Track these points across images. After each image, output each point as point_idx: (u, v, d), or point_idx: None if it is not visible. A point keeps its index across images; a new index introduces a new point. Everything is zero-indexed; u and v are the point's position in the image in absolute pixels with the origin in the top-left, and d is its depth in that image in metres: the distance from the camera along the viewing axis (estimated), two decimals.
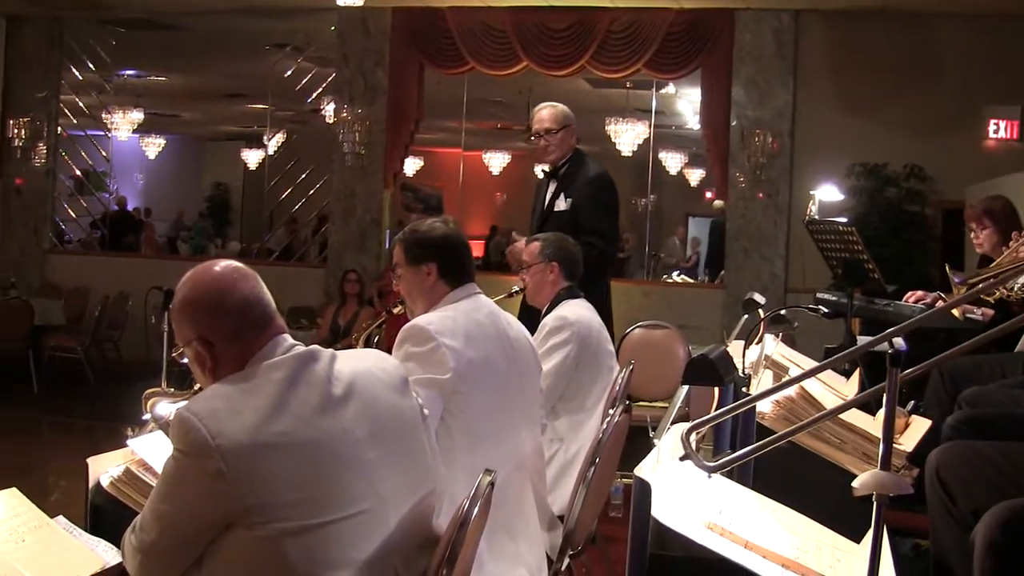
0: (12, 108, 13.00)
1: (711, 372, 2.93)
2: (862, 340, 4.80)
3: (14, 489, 2.83)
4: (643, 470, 2.20)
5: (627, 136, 14.47)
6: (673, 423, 2.86)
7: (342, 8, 10.68)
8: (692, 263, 17.69)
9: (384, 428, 2.33)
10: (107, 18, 12.83)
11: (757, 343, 4.16)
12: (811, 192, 10.41)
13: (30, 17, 12.86)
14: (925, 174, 10.26)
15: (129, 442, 3.07)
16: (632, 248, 16.51)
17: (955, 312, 4.92)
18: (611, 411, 3.47)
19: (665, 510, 2.10)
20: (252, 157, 18.51)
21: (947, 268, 4.59)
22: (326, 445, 2.21)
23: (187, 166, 22.05)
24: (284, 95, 13.56)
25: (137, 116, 14.77)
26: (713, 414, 2.49)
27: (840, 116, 10.66)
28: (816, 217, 9.70)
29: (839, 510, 2.41)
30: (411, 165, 17.21)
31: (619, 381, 4.42)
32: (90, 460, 3.02)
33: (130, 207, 19.00)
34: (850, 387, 4.09)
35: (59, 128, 13.35)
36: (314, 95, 13.09)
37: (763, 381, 3.62)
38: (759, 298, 4.61)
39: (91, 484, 2.99)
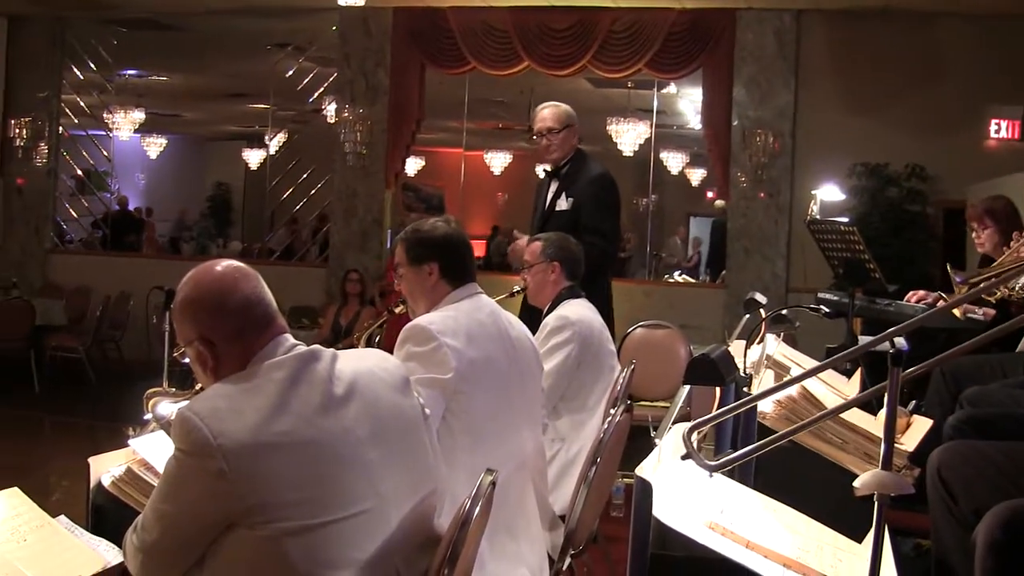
0: (14, 108, 13.01)
1: (712, 372, 2.93)
2: (863, 340, 4.80)
3: (16, 489, 2.83)
4: (644, 470, 2.20)
5: (628, 136, 14.47)
6: (674, 423, 2.86)
7: (343, 8, 10.68)
8: (694, 263, 17.70)
9: (386, 428, 2.34)
10: (109, 18, 12.84)
11: (758, 343, 4.16)
12: (812, 192, 10.40)
13: (32, 17, 12.87)
14: (926, 174, 10.26)
15: (130, 442, 3.07)
16: (633, 248, 16.51)
17: (956, 312, 4.91)
18: (612, 411, 3.47)
19: (666, 510, 2.10)
20: (253, 157, 18.53)
21: (948, 267, 4.59)
22: (327, 445, 2.21)
23: (188, 166, 22.05)
24: (285, 95, 13.57)
25: (139, 116, 14.79)
26: (714, 413, 2.49)
27: (841, 116, 10.65)
28: (817, 217, 9.69)
29: (840, 510, 2.41)
30: (412, 165, 17.22)
31: (620, 381, 4.42)
32: (91, 460, 3.02)
33: (131, 207, 18.99)
34: (851, 387, 4.09)
35: (61, 128, 13.36)
36: (315, 95, 13.10)
37: (764, 381, 3.62)
38: (760, 298, 4.61)
39: (92, 484, 3.00)
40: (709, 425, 2.49)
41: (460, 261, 3.49)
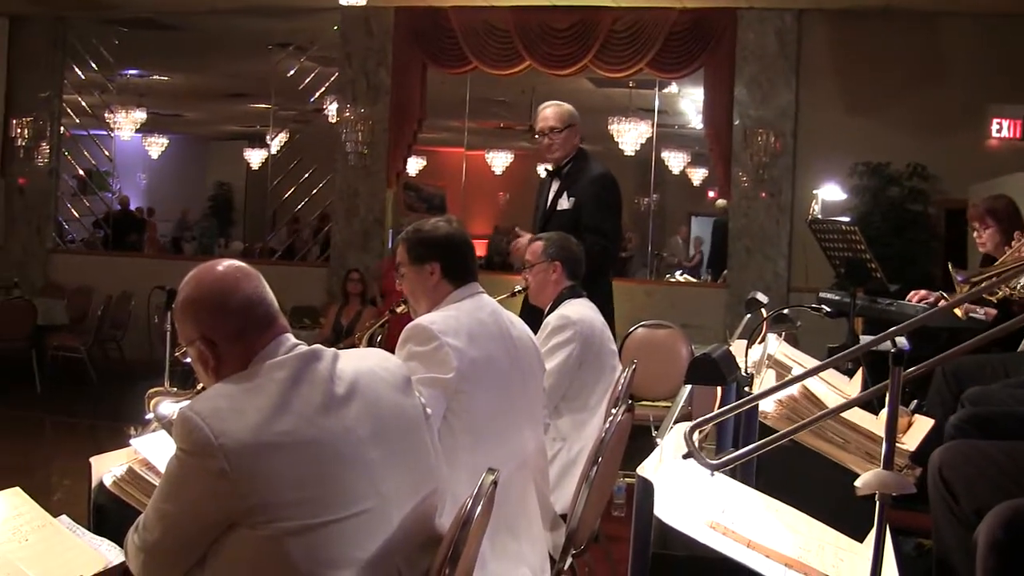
0: (15, 108, 13.02)
1: (714, 371, 2.93)
2: (865, 339, 4.80)
3: (17, 488, 2.83)
4: (646, 469, 2.20)
5: (630, 135, 14.47)
6: (676, 422, 2.86)
7: (345, 8, 10.68)
8: (695, 262, 17.69)
9: (387, 427, 2.34)
10: (110, 18, 12.85)
11: (760, 342, 4.16)
12: (814, 191, 10.39)
13: (33, 17, 12.88)
14: (928, 173, 10.25)
15: (132, 441, 3.07)
16: (635, 248, 16.51)
17: (958, 311, 4.91)
18: (614, 410, 3.47)
19: (668, 509, 2.10)
20: (255, 157, 18.53)
21: (950, 266, 4.59)
22: (329, 444, 2.21)
23: (190, 166, 22.05)
24: (287, 95, 13.57)
25: (140, 116, 14.78)
26: (716, 412, 2.49)
27: (843, 115, 10.65)
28: (819, 216, 9.68)
29: (842, 509, 2.40)
30: (414, 165, 17.21)
31: (622, 380, 4.42)
32: (93, 459, 3.02)
33: (133, 207, 19.00)
34: (853, 387, 4.09)
35: (62, 128, 13.36)
36: (317, 95, 13.11)
37: (766, 380, 3.62)
38: (762, 297, 4.61)
39: (94, 483, 3.00)
40: (710, 424, 2.49)
41: (462, 261, 3.49)
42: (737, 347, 3.81)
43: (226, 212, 21.64)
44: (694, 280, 14.39)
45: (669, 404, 5.80)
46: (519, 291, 5.15)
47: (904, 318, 4.83)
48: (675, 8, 10.81)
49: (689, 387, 3.56)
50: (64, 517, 2.85)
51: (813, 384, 3.24)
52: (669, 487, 2.17)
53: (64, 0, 12.25)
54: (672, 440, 2.52)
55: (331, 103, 12.83)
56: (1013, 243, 4.51)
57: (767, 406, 3.13)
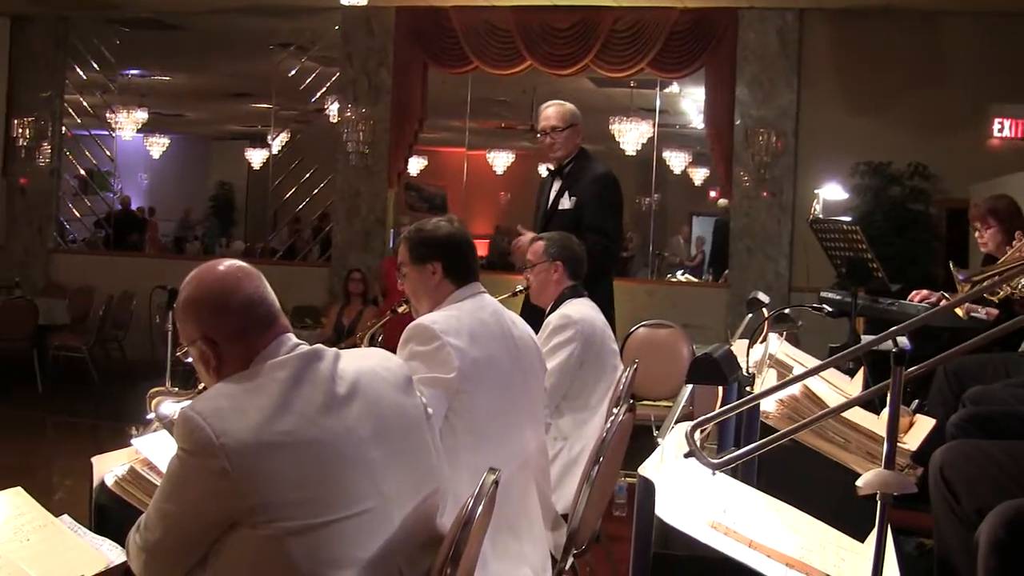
0: (17, 108, 13.02)
1: (715, 371, 2.93)
2: (866, 339, 4.80)
3: (19, 488, 2.83)
4: (647, 469, 2.20)
5: (631, 135, 14.46)
6: (677, 422, 2.87)
7: (346, 7, 10.68)
8: (697, 262, 17.69)
9: (388, 427, 2.34)
10: (112, 18, 12.85)
11: (761, 342, 4.15)
12: (815, 191, 10.37)
13: (35, 17, 12.88)
14: (929, 173, 10.25)
15: (133, 441, 3.07)
16: (636, 247, 16.51)
17: (959, 311, 4.91)
18: (615, 410, 3.47)
19: (669, 509, 2.10)
20: (256, 156, 18.53)
21: (951, 265, 4.59)
22: (330, 444, 2.21)
23: (191, 165, 22.06)
24: (288, 94, 13.57)
25: (141, 115, 14.78)
26: (717, 411, 2.49)
27: (844, 115, 10.65)
28: (820, 216, 9.65)
29: (843, 509, 2.40)
30: (415, 164, 17.21)
31: (623, 380, 4.42)
32: (94, 459, 3.03)
33: (134, 206, 19.00)
34: (854, 386, 4.09)
35: (63, 128, 13.36)
36: (318, 94, 13.10)
37: (767, 380, 3.62)
38: (763, 297, 4.60)
39: (95, 483, 3.00)
40: (712, 423, 2.49)
41: (463, 260, 3.49)
42: (738, 347, 3.81)
43: (227, 212, 21.64)
44: (695, 280, 14.38)
45: (670, 404, 5.80)
46: (520, 291, 5.15)
47: (905, 318, 4.83)
48: (676, 8, 10.81)
49: (690, 387, 3.56)
50: (65, 517, 2.86)
51: (814, 384, 3.24)
52: (670, 487, 2.17)
53: (66, 0, 12.25)
54: (673, 440, 2.52)
55: (332, 103, 12.83)
56: (1014, 242, 4.51)
57: (768, 406, 3.13)
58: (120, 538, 2.59)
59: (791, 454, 2.94)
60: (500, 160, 18.39)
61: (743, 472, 2.78)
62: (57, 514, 2.84)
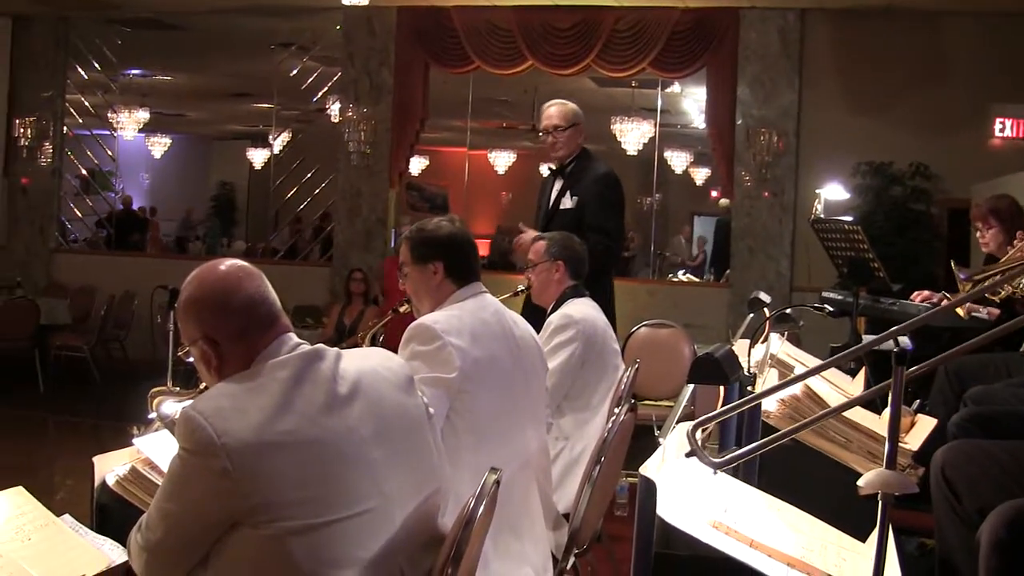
0: (18, 107, 13.02)
1: (716, 371, 2.93)
2: (867, 339, 4.80)
3: (20, 488, 2.83)
4: (648, 469, 2.19)
5: (632, 135, 14.45)
6: (678, 422, 2.87)
7: (347, 7, 10.68)
8: (699, 262, 17.68)
9: (389, 427, 2.34)
10: (113, 18, 12.85)
11: (762, 342, 4.15)
12: (817, 191, 10.38)
13: (36, 17, 12.89)
14: (931, 173, 10.25)
15: (135, 441, 3.08)
16: (637, 247, 16.50)
17: (960, 311, 4.91)
18: (616, 410, 3.47)
19: (670, 509, 2.10)
20: (258, 156, 18.53)
21: (952, 264, 4.59)
22: (331, 444, 2.21)
23: (193, 165, 22.06)
24: (289, 94, 13.57)
25: (143, 115, 14.77)
26: (719, 411, 2.49)
27: (846, 115, 10.64)
28: (822, 216, 9.67)
29: (844, 509, 2.40)
30: (416, 164, 17.21)
31: (624, 380, 4.42)
32: (96, 459, 3.03)
33: (136, 206, 19.00)
34: (856, 386, 4.09)
35: (65, 127, 13.37)
36: (319, 94, 13.11)
37: (768, 380, 3.61)
38: (764, 297, 4.61)
39: (97, 483, 3.00)
40: (714, 422, 2.50)
41: (465, 260, 3.49)
42: (740, 347, 3.81)
43: (229, 212, 21.64)
44: (697, 280, 14.37)
45: (672, 404, 5.80)
46: (522, 290, 5.15)
47: (907, 318, 4.82)
48: (677, 7, 10.80)
49: (692, 387, 3.57)
50: (67, 516, 2.86)
51: (815, 383, 3.24)
52: (672, 487, 2.17)
53: (67, 0, 12.26)
54: (675, 439, 2.52)
55: (334, 103, 12.83)
56: (1015, 242, 4.51)
57: (770, 405, 3.13)
58: (122, 538, 2.59)
59: (792, 454, 2.95)
60: (501, 160, 18.38)
61: (744, 472, 2.78)
62: (59, 514, 2.85)
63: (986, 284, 4.26)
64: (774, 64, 10.77)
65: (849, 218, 8.93)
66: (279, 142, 14.50)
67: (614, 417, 3.39)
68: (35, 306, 10.99)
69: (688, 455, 2.18)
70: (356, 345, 4.51)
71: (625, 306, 6.27)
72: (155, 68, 15.11)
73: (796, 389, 3.08)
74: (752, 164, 10.80)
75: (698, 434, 2.16)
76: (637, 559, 2.20)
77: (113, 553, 2.79)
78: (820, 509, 2.42)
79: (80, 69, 13.33)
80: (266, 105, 14.85)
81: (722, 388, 3.46)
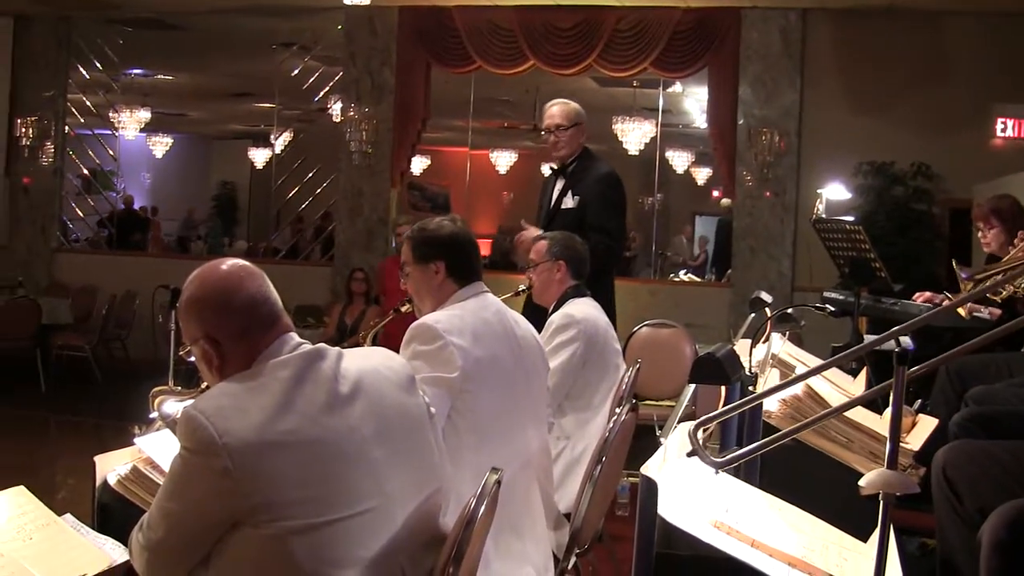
0: (20, 107, 13.02)
1: (718, 371, 2.93)
2: (869, 339, 4.80)
3: (21, 487, 2.84)
4: (650, 469, 2.19)
5: (634, 135, 14.44)
6: (680, 422, 2.87)
7: (349, 7, 10.67)
8: (700, 262, 17.67)
9: (391, 426, 2.34)
10: (114, 17, 12.86)
11: (764, 342, 4.15)
12: (818, 191, 10.36)
13: (38, 17, 12.89)
14: (932, 173, 10.24)
15: (136, 440, 3.08)
16: (639, 247, 16.49)
17: (961, 311, 4.91)
18: (618, 409, 3.47)
19: (672, 509, 2.10)
20: (259, 156, 18.52)
21: (954, 263, 4.59)
22: (333, 443, 2.21)
23: (194, 165, 22.06)
24: (291, 94, 13.57)
25: (144, 115, 14.77)
26: (721, 410, 2.49)
27: (847, 115, 10.64)
28: (823, 216, 9.64)
29: (846, 509, 2.40)
30: (418, 164, 17.19)
31: (626, 379, 4.42)
32: (97, 458, 3.03)
33: (137, 206, 19.01)
34: (857, 386, 4.09)
35: (66, 127, 13.37)
36: (321, 94, 13.11)
37: (770, 380, 3.62)
38: (766, 297, 4.60)
39: (98, 482, 3.00)
40: (715, 422, 2.50)
41: (466, 260, 3.49)
42: (741, 346, 3.81)
43: (230, 211, 21.64)
44: (698, 279, 14.37)
45: (673, 403, 5.80)
46: (523, 290, 5.15)
47: (908, 318, 4.82)
48: (679, 7, 10.80)
49: (693, 386, 3.56)
50: (68, 516, 2.86)
51: (817, 383, 3.24)
52: (673, 486, 2.17)
53: (68, 0, 12.26)
54: (676, 439, 2.52)
55: (335, 102, 12.83)
56: (1016, 241, 4.51)
57: (771, 405, 3.13)
58: (123, 537, 2.59)
59: (794, 454, 2.94)
60: (503, 160, 18.37)
61: (746, 472, 2.78)
62: (60, 513, 2.85)
63: (987, 284, 4.26)
64: (776, 64, 10.77)
65: (851, 218, 8.93)
66: (280, 142, 14.50)
67: (615, 417, 3.40)
68: (37, 306, 11.00)
69: (689, 455, 2.18)
70: (357, 345, 4.51)
71: (626, 306, 6.28)
72: (157, 68, 15.11)
73: (797, 389, 3.08)
74: (754, 164, 10.80)
75: (699, 434, 2.16)
76: (638, 559, 2.20)
77: (114, 552, 2.79)
78: (821, 509, 2.42)
79: (82, 69, 13.33)
80: (267, 105, 14.85)
81: (723, 388, 3.46)
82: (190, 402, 2.22)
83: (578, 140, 6.07)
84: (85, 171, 14.45)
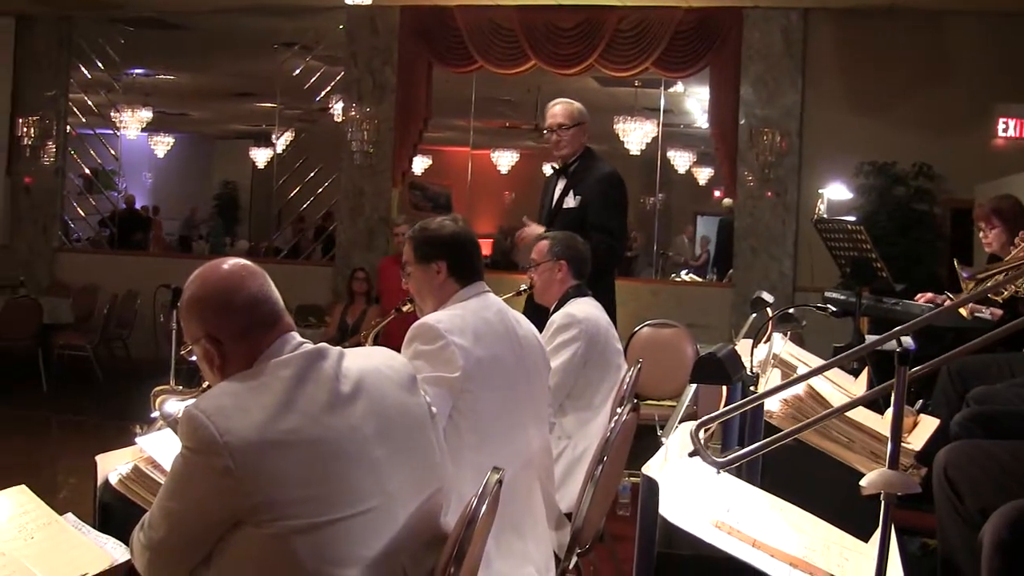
0: (21, 107, 13.03)
1: (719, 371, 2.93)
2: (870, 339, 4.79)
3: (23, 486, 2.84)
4: (651, 468, 2.20)
5: (635, 135, 14.44)
6: (681, 422, 2.86)
7: (350, 7, 10.67)
8: (702, 261, 17.67)
9: (392, 426, 2.34)
10: (116, 17, 12.86)
11: (765, 342, 4.15)
12: (820, 191, 10.37)
13: (39, 16, 12.89)
14: (934, 173, 10.24)
15: (138, 440, 3.08)
16: (640, 247, 16.50)
17: (963, 311, 4.91)
18: (619, 409, 3.47)
19: (673, 508, 2.10)
20: (261, 156, 18.53)
21: (955, 262, 4.59)
22: (334, 443, 2.21)
23: (196, 165, 22.08)
24: (293, 94, 13.58)
25: (146, 115, 14.77)
26: (722, 410, 2.49)
27: (849, 115, 10.64)
28: (824, 216, 9.65)
29: (847, 509, 2.40)
30: (419, 164, 17.20)
31: (627, 379, 4.42)
32: (99, 458, 3.03)
33: (138, 205, 19.02)
34: (859, 386, 4.09)
35: (68, 127, 13.37)
36: (323, 94, 13.11)
37: (771, 380, 3.61)
38: (767, 297, 4.60)
39: (100, 481, 3.00)
40: (717, 422, 2.50)
41: (468, 260, 3.49)
42: (742, 346, 3.81)
43: (231, 211, 21.65)
44: (699, 279, 14.37)
45: (674, 403, 5.80)
46: (525, 290, 5.15)
47: (910, 318, 4.82)
48: (681, 7, 10.80)
49: (694, 386, 3.56)
50: (70, 515, 2.86)
51: (818, 383, 3.24)
52: (674, 486, 2.17)
53: (69, 0, 12.27)
54: (677, 439, 2.52)
55: (337, 102, 12.83)
56: (1017, 241, 4.51)
57: (772, 405, 3.13)
58: (124, 536, 2.59)
59: (795, 454, 2.94)
60: (504, 159, 18.38)
61: (747, 472, 2.78)
62: (61, 512, 2.85)
63: (988, 284, 4.26)
64: (777, 64, 10.77)
65: (852, 218, 8.93)
66: (282, 141, 14.50)
67: (617, 417, 3.40)
68: (38, 305, 11.00)
69: (691, 455, 2.17)
70: (359, 344, 4.52)
71: (628, 306, 6.28)
72: (158, 67, 15.11)
73: (799, 389, 3.08)
74: (755, 164, 10.80)
75: (701, 434, 2.16)
76: (639, 559, 2.20)
77: (116, 552, 2.79)
78: (823, 509, 2.42)
79: (83, 68, 13.34)
80: (269, 104, 14.86)
81: (725, 388, 3.46)
82: (191, 401, 2.22)
83: (580, 140, 6.07)
84: (87, 171, 14.45)
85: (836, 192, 10.36)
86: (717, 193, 17.80)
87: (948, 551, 2.95)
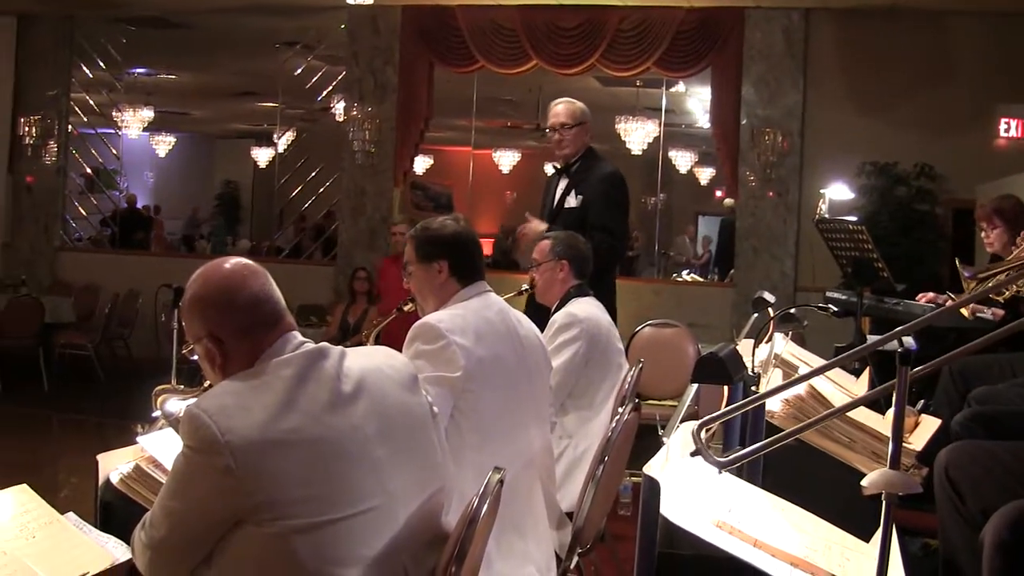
0: (23, 106, 13.03)
1: (720, 370, 2.93)
2: (872, 339, 4.79)
3: (24, 485, 2.84)
4: (652, 468, 2.20)
5: (637, 135, 14.43)
6: (682, 421, 2.86)
7: (352, 6, 10.69)
8: (703, 261, 17.68)
9: (393, 425, 2.34)
10: (118, 16, 12.87)
11: (767, 342, 4.15)
12: (821, 191, 10.38)
13: (41, 16, 12.90)
14: (935, 173, 10.24)
15: (139, 439, 3.08)
16: (642, 247, 16.50)
17: (965, 311, 4.91)
18: (620, 409, 3.47)
19: (674, 508, 2.10)
20: (262, 155, 18.52)
21: (957, 262, 4.58)
22: (335, 442, 2.21)
23: (197, 164, 22.09)
24: (294, 93, 13.59)
25: (147, 114, 14.77)
26: (724, 410, 2.49)
27: (850, 115, 10.64)
28: (826, 216, 9.66)
29: (848, 509, 2.40)
30: (421, 163, 17.18)
31: (628, 379, 4.42)
32: (100, 457, 3.03)
33: (140, 205, 19.01)
34: (860, 386, 4.08)
35: (70, 126, 13.38)
36: (324, 93, 13.12)
37: (773, 380, 3.61)
38: (769, 297, 4.61)
39: (101, 481, 3.00)
40: (718, 422, 2.49)
41: (469, 259, 3.48)
42: (744, 346, 3.81)
43: (233, 210, 21.65)
44: (701, 279, 14.37)
45: (676, 403, 5.80)
46: (526, 289, 5.15)
47: (911, 318, 4.81)
48: (682, 7, 10.80)
49: (696, 386, 3.56)
50: (71, 514, 2.86)
51: (820, 383, 3.24)
52: (675, 486, 2.17)
53: None
54: (679, 439, 2.52)
55: (338, 102, 12.84)
56: (1019, 241, 4.50)
57: (774, 405, 3.13)
58: (125, 535, 2.59)
59: (796, 454, 2.94)
60: (506, 159, 18.38)
61: (748, 472, 2.78)
62: (63, 511, 2.85)
63: (990, 284, 4.25)
64: (779, 64, 10.77)
65: (853, 218, 8.93)
66: (283, 141, 14.51)
67: (618, 416, 3.39)
68: (39, 304, 11.00)
69: (692, 455, 2.17)
70: (360, 344, 4.52)
71: (629, 305, 6.27)
72: (160, 67, 15.12)
73: (800, 389, 3.08)
74: (756, 164, 10.80)
75: (702, 434, 2.16)
76: (641, 558, 2.20)
77: (117, 551, 2.79)
78: (824, 509, 2.42)
79: (85, 68, 13.34)
80: (271, 104, 14.87)
81: (726, 388, 3.46)
82: (193, 401, 2.22)
83: (582, 139, 6.07)
84: (88, 170, 14.47)
85: (837, 192, 10.37)
86: (719, 193, 17.80)
87: (949, 551, 2.95)
